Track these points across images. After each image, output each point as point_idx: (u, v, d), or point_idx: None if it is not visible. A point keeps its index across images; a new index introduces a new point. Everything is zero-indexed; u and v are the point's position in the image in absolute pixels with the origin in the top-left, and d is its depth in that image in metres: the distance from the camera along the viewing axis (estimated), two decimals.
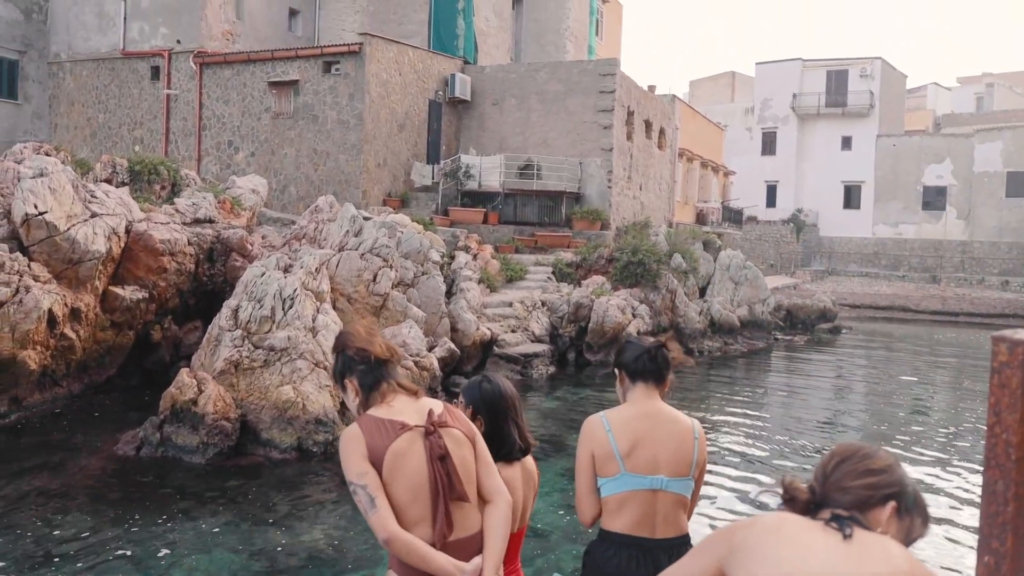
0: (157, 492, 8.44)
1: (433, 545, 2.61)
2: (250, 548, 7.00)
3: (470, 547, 2.70)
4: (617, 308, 17.86)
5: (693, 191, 35.53)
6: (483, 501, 2.79)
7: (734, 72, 60.25)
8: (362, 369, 2.77)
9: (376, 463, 2.61)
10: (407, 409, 2.74)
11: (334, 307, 11.58)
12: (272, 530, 7.43)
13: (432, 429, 2.70)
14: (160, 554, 6.79)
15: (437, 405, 2.82)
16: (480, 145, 25.46)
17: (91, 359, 12.42)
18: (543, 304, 18.46)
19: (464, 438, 2.77)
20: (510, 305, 17.89)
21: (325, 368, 10.31)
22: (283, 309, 10.58)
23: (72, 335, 11.76)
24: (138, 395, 12.43)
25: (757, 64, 50.05)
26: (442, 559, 2.59)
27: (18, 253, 11.38)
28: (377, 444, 2.62)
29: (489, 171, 23.38)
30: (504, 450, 3.10)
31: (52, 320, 11.29)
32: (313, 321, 10.73)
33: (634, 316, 18.19)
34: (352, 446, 2.64)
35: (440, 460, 2.67)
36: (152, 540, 7.12)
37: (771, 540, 1.88)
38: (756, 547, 1.88)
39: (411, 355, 12.01)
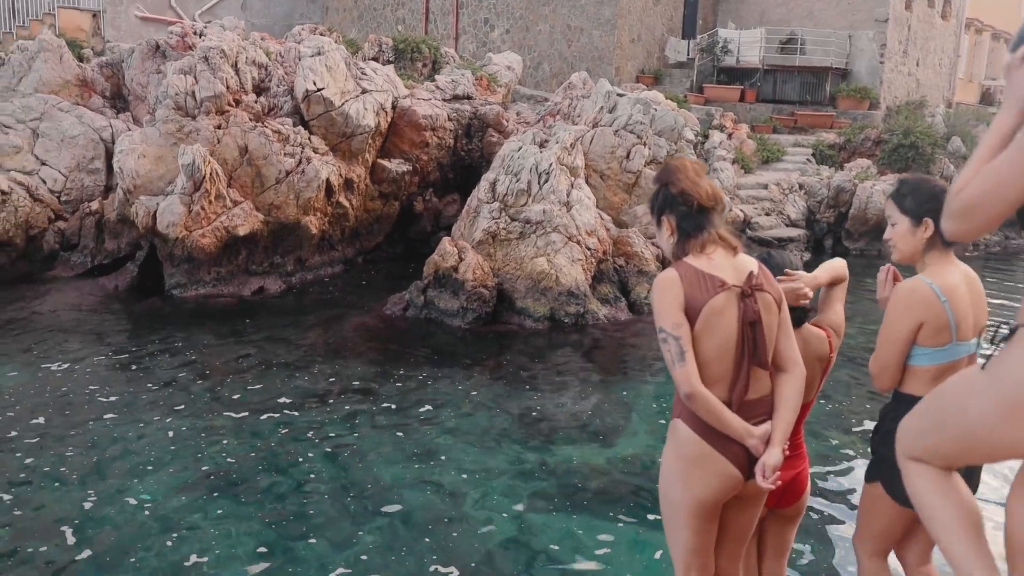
0: (420, 350, 9.05)
1: (727, 405, 2.58)
2: (503, 409, 7.37)
3: (757, 409, 2.64)
4: (883, 194, 16.61)
5: (980, 67, 31.86)
6: (777, 368, 2.70)
7: None
8: (683, 211, 2.66)
9: (690, 316, 2.56)
10: (726, 265, 2.64)
11: (587, 182, 11.62)
12: (525, 394, 7.76)
13: (749, 292, 2.61)
14: (421, 409, 7.31)
15: (754, 265, 2.71)
16: (739, 18, 24.09)
17: (362, 227, 13.36)
18: (800, 187, 17.54)
19: (773, 303, 2.67)
20: (765, 187, 17.16)
21: (578, 242, 10.45)
22: (539, 183, 10.75)
23: (346, 204, 12.69)
24: (402, 263, 13.28)
25: None
26: (736, 421, 2.56)
27: (300, 127, 12.32)
28: (695, 297, 2.57)
29: (748, 46, 22.15)
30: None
31: (329, 189, 12.22)
32: (567, 196, 10.84)
33: None
34: (670, 294, 2.58)
35: (751, 325, 2.59)
36: (413, 395, 7.68)
37: None
38: None
39: None
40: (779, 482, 2.58)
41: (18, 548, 4.89)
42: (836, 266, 3.22)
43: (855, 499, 5.69)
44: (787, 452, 2.79)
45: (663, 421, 7.09)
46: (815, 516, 5.43)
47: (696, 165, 2.74)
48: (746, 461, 2.59)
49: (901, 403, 3.06)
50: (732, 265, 2.65)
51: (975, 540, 2.10)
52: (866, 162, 18.43)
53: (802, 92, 22.39)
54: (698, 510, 2.60)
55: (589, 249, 10.58)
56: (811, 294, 3.01)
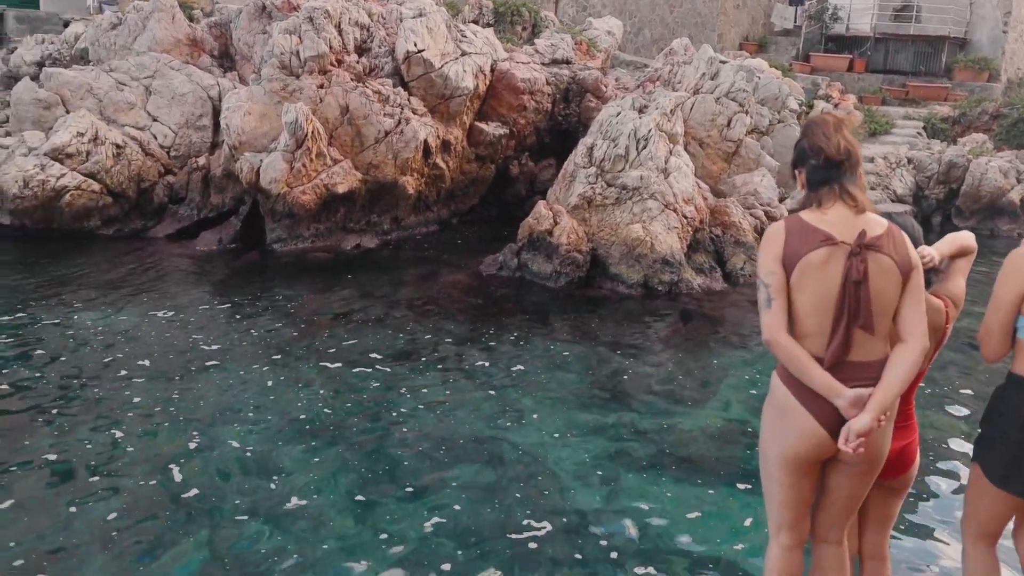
0: (512, 311, 9.09)
1: (820, 361, 2.51)
2: (594, 372, 7.35)
3: (861, 372, 2.55)
4: (999, 171, 15.85)
5: None
6: (897, 337, 2.60)
7: None
8: (812, 165, 2.61)
9: (787, 267, 2.52)
10: (841, 221, 2.56)
11: (686, 150, 11.40)
12: (616, 358, 7.72)
13: (857, 250, 2.53)
14: (512, 368, 7.35)
15: (878, 226, 2.61)
16: None
17: (457, 188, 13.45)
18: (909, 162, 16.86)
19: (893, 267, 2.57)
20: (871, 160, 16.56)
21: (675, 210, 10.29)
22: (636, 149, 10.61)
23: (443, 165, 12.78)
24: (496, 226, 13.32)
25: None
26: (822, 378, 2.48)
27: (400, 88, 12.43)
28: (794, 249, 2.52)
29: (859, 13, 21.31)
30: None
31: (426, 150, 12.32)
32: (665, 162, 10.67)
33: (1018, 181, 16.06)
34: (770, 243, 2.57)
35: (855, 284, 2.51)
36: (504, 354, 7.72)
37: None
38: None
39: (762, 204, 11.61)
40: (861, 450, 2.49)
41: (129, 480, 5.14)
42: (963, 237, 3.09)
43: (961, 480, 5.50)
44: (899, 422, 2.70)
45: (755, 392, 6.97)
46: (918, 493, 5.26)
47: (839, 120, 2.67)
48: (836, 422, 2.51)
49: (1011, 384, 2.93)
50: (848, 222, 2.56)
51: None
52: (982, 137, 17.58)
53: (915, 62, 21.46)
54: (784, 464, 2.54)
55: (686, 217, 10.41)
56: (936, 262, 2.89)
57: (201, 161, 12.53)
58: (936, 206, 16.47)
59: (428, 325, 8.45)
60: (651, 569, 4.37)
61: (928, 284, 2.93)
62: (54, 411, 6.09)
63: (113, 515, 4.73)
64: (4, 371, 6.78)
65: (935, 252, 2.92)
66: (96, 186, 11.44)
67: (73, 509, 4.78)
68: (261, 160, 11.24)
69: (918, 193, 16.49)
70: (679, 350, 8.10)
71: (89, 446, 5.58)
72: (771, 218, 11.47)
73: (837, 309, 2.52)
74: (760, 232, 11.02)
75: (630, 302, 9.63)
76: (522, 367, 7.40)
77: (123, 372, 6.85)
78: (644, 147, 10.61)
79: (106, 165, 11.52)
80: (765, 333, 2.51)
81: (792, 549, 2.66)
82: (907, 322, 2.57)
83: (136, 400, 6.32)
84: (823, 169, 2.59)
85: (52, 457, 5.40)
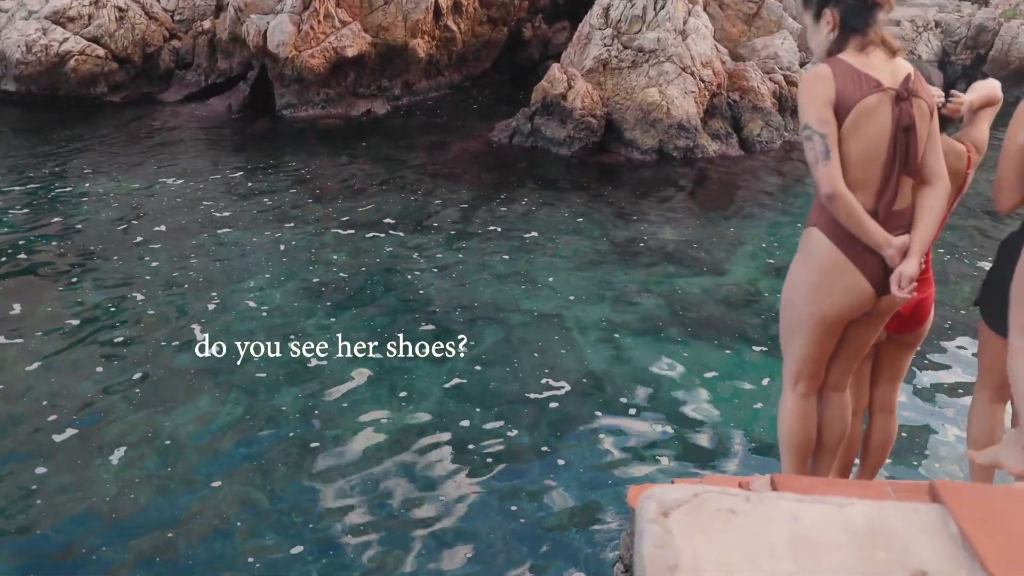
0: (525, 177, 8.99)
1: (872, 214, 2.46)
2: (608, 237, 7.31)
3: (900, 220, 2.51)
4: None
5: None
6: (922, 180, 2.54)
7: None
8: (851, 4, 2.49)
9: (839, 114, 2.42)
10: (883, 67, 2.46)
11: (705, 11, 11.00)
12: (630, 223, 7.67)
13: (905, 96, 2.43)
14: (526, 235, 7.31)
15: (910, 69, 2.51)
16: None
17: (469, 52, 13.10)
18: (936, 25, 16.28)
19: (927, 110, 2.49)
20: (897, 24, 15.98)
21: (692, 74, 10.01)
22: (654, 9, 10.24)
23: (454, 27, 12.40)
24: (509, 90, 13.03)
25: None
26: (876, 229, 2.43)
27: None
28: (847, 95, 2.41)
29: None
30: None
31: (437, 11, 11.94)
32: (684, 24, 10.31)
33: None
34: (819, 88, 2.42)
35: (904, 131, 2.43)
36: (518, 219, 7.67)
37: None
38: None
39: (782, 69, 11.28)
40: (914, 293, 2.47)
41: (152, 342, 5.21)
42: (990, 86, 2.97)
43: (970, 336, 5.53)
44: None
45: (770, 260, 6.94)
46: (928, 348, 5.30)
47: None
48: (880, 275, 2.48)
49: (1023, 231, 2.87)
50: (889, 68, 2.45)
51: None
52: None
53: None
54: (822, 323, 2.53)
55: (703, 81, 10.14)
56: (963, 109, 2.79)
57: (206, 24, 12.20)
58: (962, 72, 16.00)
59: (440, 191, 8.38)
60: (668, 428, 4.45)
61: (946, 130, 2.85)
62: (74, 278, 6.13)
63: (138, 374, 4.82)
64: (21, 238, 6.80)
65: (967, 99, 2.82)
66: (101, 51, 11.19)
67: (100, 369, 4.87)
68: (267, 22, 10.92)
69: (944, 59, 16.00)
70: (693, 216, 8.03)
71: (112, 309, 5.64)
72: (791, 84, 11.17)
73: (888, 157, 2.44)
74: (779, 98, 10.76)
75: (644, 168, 9.50)
76: (536, 233, 7.36)
77: (139, 238, 6.86)
78: (662, 7, 10.24)
79: (109, 29, 11.23)
80: (827, 187, 2.40)
81: (807, 397, 2.68)
82: (932, 164, 2.51)
83: (153, 265, 6.35)
84: (865, 10, 2.46)
85: (75, 322, 5.47)
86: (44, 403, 4.49)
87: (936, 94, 2.70)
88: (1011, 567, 0.97)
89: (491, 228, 7.43)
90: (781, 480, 1.45)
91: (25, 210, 7.42)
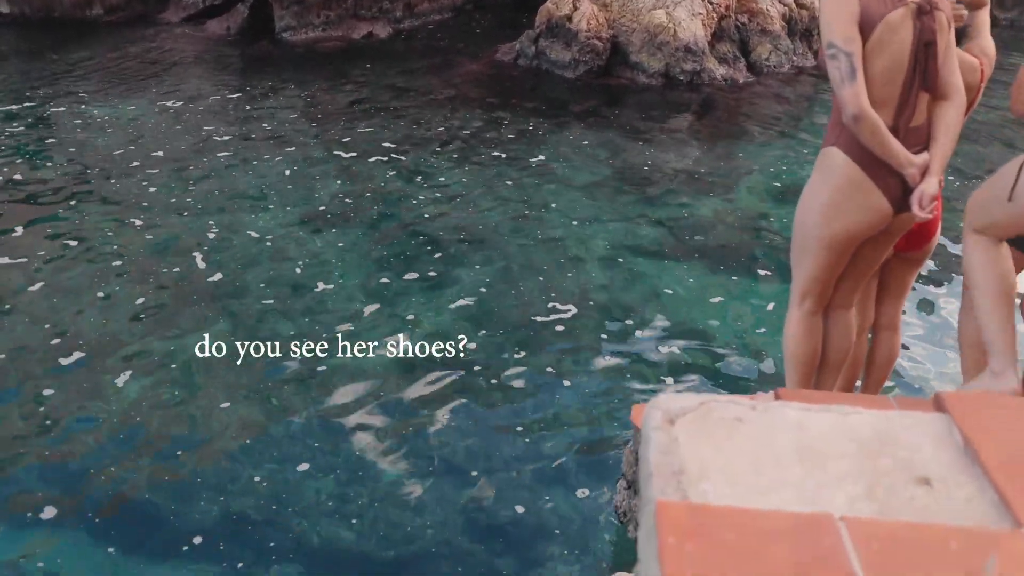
0: (530, 100, 8.87)
1: (893, 132, 2.42)
2: (613, 162, 7.24)
3: (918, 137, 2.47)
4: None
5: None
6: (938, 95, 2.49)
7: None
8: None
9: (864, 31, 2.36)
10: None
11: None
12: (636, 148, 7.59)
13: (927, 9, 2.37)
14: (531, 159, 7.24)
15: None
16: None
17: None
18: None
19: (946, 24, 2.43)
20: None
21: None
22: None
23: None
24: (512, 13, 12.75)
25: None
26: (899, 148, 2.39)
27: None
28: (873, 11, 2.34)
29: None
30: None
31: None
32: None
33: None
34: (845, 5, 2.34)
35: (925, 45, 2.37)
36: (522, 144, 7.59)
37: None
38: None
39: None
40: (934, 212, 2.45)
41: (154, 267, 5.21)
42: None
43: None
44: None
45: (777, 184, 6.89)
46: (933, 267, 5.30)
47: None
48: (900, 194, 2.45)
49: None
50: None
51: (1007, 310, 2.12)
52: None
53: None
54: (837, 243, 2.50)
55: (711, 3, 9.92)
56: (965, 15, 2.73)
57: None
58: None
59: (443, 115, 8.28)
60: (675, 348, 4.48)
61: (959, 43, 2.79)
62: (72, 202, 6.10)
63: (141, 300, 4.82)
64: (19, 162, 6.75)
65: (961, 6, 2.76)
66: None
67: (101, 295, 4.88)
68: None
69: None
70: (700, 141, 7.95)
71: (111, 234, 5.63)
72: (801, 6, 10.92)
73: (908, 73, 2.38)
74: (788, 21, 10.54)
75: (650, 92, 9.36)
76: (542, 156, 7.30)
77: (136, 163, 6.80)
78: None
79: None
80: (852, 108, 2.35)
81: (814, 314, 2.68)
82: (948, 78, 2.46)
83: (152, 190, 6.31)
84: None
85: (74, 243, 5.46)
86: (47, 326, 4.52)
87: (953, 4, 2.63)
88: (1013, 474, 0.98)
89: (495, 152, 7.36)
90: (785, 395, 1.46)
91: (21, 133, 7.35)
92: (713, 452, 0.96)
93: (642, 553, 0.88)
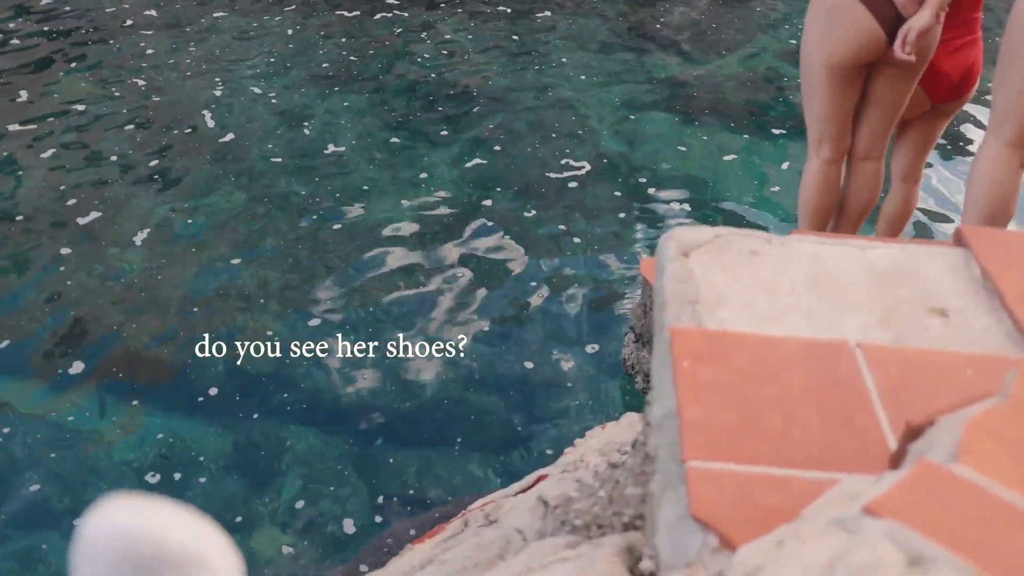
0: None
1: None
2: (622, 18, 6.98)
3: None
4: None
5: None
6: None
7: None
8: None
9: None
10: None
11: None
12: (645, 3, 7.32)
13: None
14: (539, 14, 6.99)
15: None
16: None
17: None
18: None
19: None
20: None
21: None
22: None
23: None
24: None
25: None
26: None
27: None
28: None
29: None
30: None
31: None
32: None
33: None
34: None
35: None
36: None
37: None
38: None
39: None
40: (912, 57, 2.34)
41: (162, 129, 5.15)
42: None
43: None
44: (963, 35, 2.53)
45: (793, 41, 6.66)
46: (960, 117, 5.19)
47: None
48: (892, 20, 2.35)
49: None
50: None
51: None
52: None
53: None
54: (831, 69, 2.43)
55: None
56: None
57: None
58: None
59: None
60: (687, 205, 4.45)
61: None
62: (72, 63, 5.98)
63: (154, 161, 4.79)
64: (11, 24, 6.57)
65: None
66: None
67: (114, 158, 4.84)
68: None
69: None
70: None
71: (117, 94, 5.54)
72: None
73: None
74: None
75: None
76: (548, 12, 7.05)
77: (129, 22, 6.61)
78: None
79: None
80: None
81: (833, 163, 2.62)
82: None
83: (150, 52, 6.15)
84: None
85: (81, 108, 5.38)
86: (62, 187, 4.51)
87: None
88: None
89: (500, 8, 7.12)
90: (801, 235, 1.44)
91: None
92: (728, 282, 0.95)
93: (655, 380, 0.89)
